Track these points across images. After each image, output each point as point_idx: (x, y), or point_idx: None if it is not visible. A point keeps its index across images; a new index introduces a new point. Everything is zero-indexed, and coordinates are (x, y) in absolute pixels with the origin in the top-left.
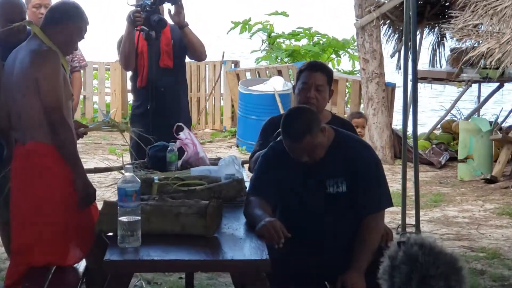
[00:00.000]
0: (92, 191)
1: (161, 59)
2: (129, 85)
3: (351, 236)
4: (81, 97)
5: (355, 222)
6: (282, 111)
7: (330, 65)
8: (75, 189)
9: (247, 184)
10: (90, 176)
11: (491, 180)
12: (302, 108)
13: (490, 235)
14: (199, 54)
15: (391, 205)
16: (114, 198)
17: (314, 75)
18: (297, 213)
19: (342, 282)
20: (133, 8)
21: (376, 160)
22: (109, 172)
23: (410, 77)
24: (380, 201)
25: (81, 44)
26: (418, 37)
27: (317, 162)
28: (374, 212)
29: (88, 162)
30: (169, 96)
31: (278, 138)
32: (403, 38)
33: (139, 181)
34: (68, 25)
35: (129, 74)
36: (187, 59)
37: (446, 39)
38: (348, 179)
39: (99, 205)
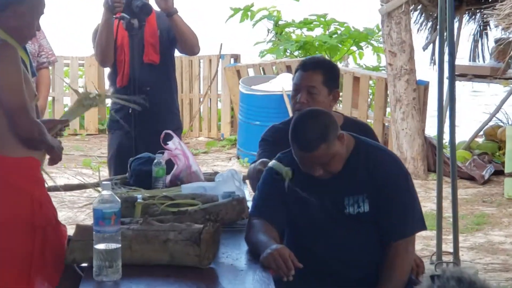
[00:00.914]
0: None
1: (146, 53)
2: (107, 84)
3: (376, 267)
4: (49, 98)
5: (380, 249)
6: (291, 115)
7: (349, 60)
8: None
9: (250, 204)
10: (60, 195)
11: None
12: (316, 111)
13: None
14: (191, 46)
15: (423, 228)
16: (89, 221)
17: (305, 75)
18: (310, 238)
19: None
20: None
21: (405, 174)
22: (83, 190)
23: (446, 73)
24: (410, 224)
25: (50, 36)
26: (456, 25)
27: (333, 176)
28: (402, 238)
29: (57, 178)
30: (155, 98)
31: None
32: (437, 26)
33: (119, 200)
34: (16, 6)
35: (107, 71)
36: (177, 53)
37: (489, 28)
38: (370, 196)
39: (71, 230)
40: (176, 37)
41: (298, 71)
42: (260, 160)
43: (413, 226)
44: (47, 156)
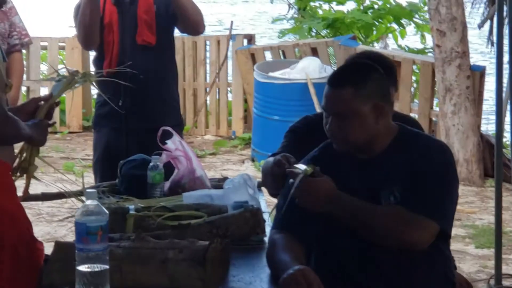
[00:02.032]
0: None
1: (139, 32)
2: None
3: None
4: (23, 88)
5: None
6: (318, 109)
7: (389, 40)
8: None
9: (267, 217)
10: (37, 205)
11: None
12: (370, 54)
13: None
14: (194, 25)
15: (443, 226)
16: (71, 237)
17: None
18: (342, 252)
19: None
20: None
21: (448, 163)
22: (64, 200)
23: (506, 58)
24: (431, 208)
25: (24, 14)
26: None
27: (370, 165)
28: (414, 211)
29: (35, 185)
30: (151, 87)
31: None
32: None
33: (107, 212)
34: None
35: (92, 55)
36: (178, 33)
37: None
38: (404, 184)
39: (49, 248)
40: (176, 14)
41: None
42: (282, 154)
43: (432, 211)
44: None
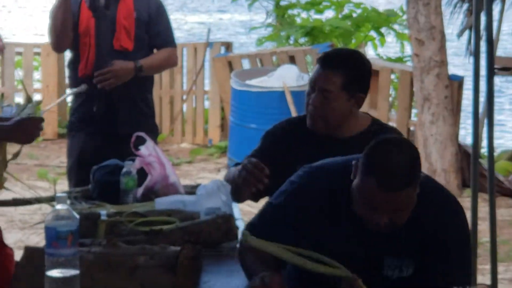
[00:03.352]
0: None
1: (116, 37)
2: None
3: None
4: None
5: None
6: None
7: (367, 49)
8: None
9: (239, 223)
10: (9, 212)
11: None
12: (407, 144)
13: None
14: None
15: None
16: (43, 244)
17: (323, 74)
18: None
19: None
20: None
21: (467, 235)
22: (37, 207)
23: (484, 67)
24: (458, 281)
25: None
26: (497, 8)
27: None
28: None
29: (7, 192)
30: (125, 93)
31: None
32: (473, 8)
33: (78, 217)
34: None
35: (67, 60)
36: None
37: None
38: (417, 259)
39: (18, 253)
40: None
41: (317, 65)
42: (247, 160)
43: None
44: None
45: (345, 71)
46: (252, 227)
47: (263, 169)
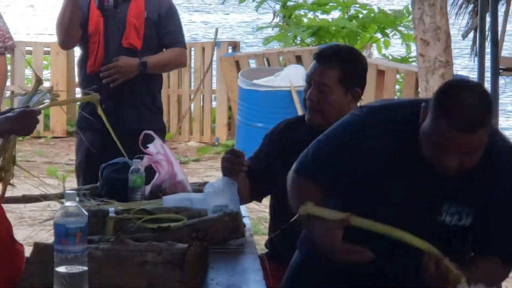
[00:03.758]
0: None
1: (126, 35)
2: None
3: None
4: (7, 93)
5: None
6: None
7: (373, 49)
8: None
9: (247, 221)
10: (19, 209)
11: None
12: (480, 85)
13: None
14: (177, 67)
15: None
16: (52, 241)
17: (318, 69)
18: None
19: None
20: None
21: None
22: (46, 204)
23: (488, 67)
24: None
25: (7, 17)
26: (502, 8)
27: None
28: (502, 258)
29: (17, 190)
30: (134, 91)
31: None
32: (478, 9)
33: (86, 214)
34: None
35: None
36: None
37: None
38: (479, 211)
39: (28, 250)
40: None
41: (314, 61)
42: (230, 149)
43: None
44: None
45: (340, 65)
46: (305, 168)
47: (239, 155)
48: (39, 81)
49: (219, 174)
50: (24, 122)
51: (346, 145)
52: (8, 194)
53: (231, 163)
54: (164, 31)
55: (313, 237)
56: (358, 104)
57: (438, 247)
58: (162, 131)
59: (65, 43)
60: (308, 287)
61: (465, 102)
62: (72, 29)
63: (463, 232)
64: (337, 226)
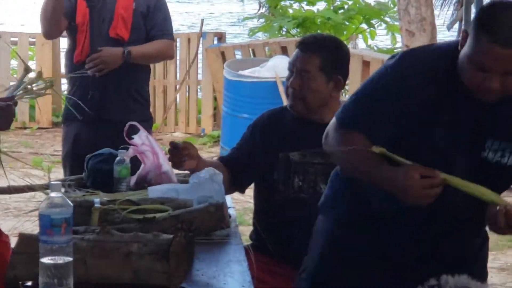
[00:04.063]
0: None
1: (113, 26)
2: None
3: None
4: None
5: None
6: None
7: (359, 41)
8: None
9: (232, 212)
10: (4, 199)
11: None
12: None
13: None
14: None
15: None
16: (37, 230)
17: (301, 57)
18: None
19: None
20: None
21: None
22: (32, 195)
23: None
24: None
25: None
26: (486, 0)
27: (485, 108)
28: None
29: (1, 180)
30: (120, 82)
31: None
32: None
33: (72, 205)
34: None
35: (63, 51)
36: None
37: None
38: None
39: (13, 241)
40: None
41: (296, 50)
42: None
43: None
44: None
45: (322, 53)
46: (348, 120)
47: (177, 147)
48: (27, 69)
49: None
50: (3, 116)
51: (386, 90)
52: None
53: (172, 154)
54: (152, 23)
55: (381, 178)
56: (341, 93)
57: (481, 185)
58: (149, 123)
59: (48, 32)
60: (352, 248)
61: (507, 17)
62: (55, 20)
63: (506, 170)
64: (415, 168)
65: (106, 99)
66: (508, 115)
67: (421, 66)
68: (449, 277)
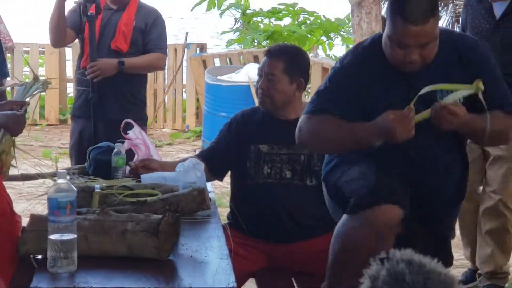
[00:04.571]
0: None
1: (115, 39)
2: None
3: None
4: (8, 89)
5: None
6: None
7: (319, 51)
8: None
9: (212, 196)
10: (18, 185)
11: None
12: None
13: None
14: (155, 70)
15: None
16: (46, 212)
17: (268, 62)
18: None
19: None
20: None
21: (491, 55)
22: (42, 181)
23: None
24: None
25: (8, 21)
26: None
27: (423, 69)
28: (508, 111)
29: (16, 169)
30: (116, 86)
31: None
32: None
33: (75, 189)
34: None
35: (69, 59)
36: None
37: None
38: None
39: (25, 220)
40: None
41: (264, 57)
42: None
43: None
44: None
45: (285, 58)
46: (319, 107)
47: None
48: (36, 78)
49: (189, 155)
50: (15, 123)
51: (341, 76)
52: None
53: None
54: (148, 37)
55: (365, 132)
56: (304, 93)
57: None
58: (143, 121)
59: (55, 42)
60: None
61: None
62: (59, 31)
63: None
64: (388, 112)
65: (105, 101)
66: (440, 67)
67: (360, 53)
68: (396, 251)
